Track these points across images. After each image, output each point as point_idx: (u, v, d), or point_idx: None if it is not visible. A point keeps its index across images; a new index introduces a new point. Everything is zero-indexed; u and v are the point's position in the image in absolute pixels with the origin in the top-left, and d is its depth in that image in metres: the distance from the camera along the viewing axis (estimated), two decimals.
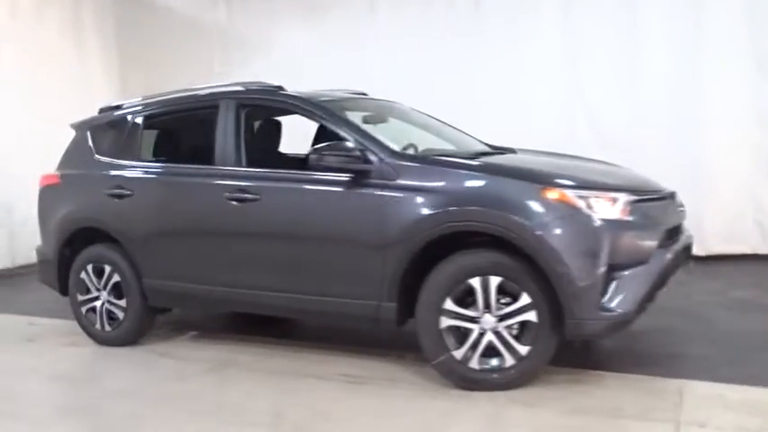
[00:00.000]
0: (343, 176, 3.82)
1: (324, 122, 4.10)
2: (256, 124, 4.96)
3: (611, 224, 3.36)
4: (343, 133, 3.91)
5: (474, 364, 3.53)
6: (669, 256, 3.51)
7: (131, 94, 9.09)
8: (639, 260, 3.38)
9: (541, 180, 3.49)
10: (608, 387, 3.54)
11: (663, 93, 6.38)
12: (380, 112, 4.61)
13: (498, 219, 3.41)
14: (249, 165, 4.28)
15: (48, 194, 5.09)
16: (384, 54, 7.45)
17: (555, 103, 6.73)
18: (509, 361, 3.50)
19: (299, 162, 4.25)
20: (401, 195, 3.66)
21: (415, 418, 3.30)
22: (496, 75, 6.93)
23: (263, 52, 8.38)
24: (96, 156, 4.88)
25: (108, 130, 4.97)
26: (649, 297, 3.42)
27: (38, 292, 6.13)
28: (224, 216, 4.18)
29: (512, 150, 4.40)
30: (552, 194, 3.40)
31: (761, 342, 4.14)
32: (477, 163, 3.76)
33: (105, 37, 9.09)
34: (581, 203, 3.37)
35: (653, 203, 3.62)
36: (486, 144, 4.65)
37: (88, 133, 5.01)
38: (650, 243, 3.42)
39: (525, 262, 3.43)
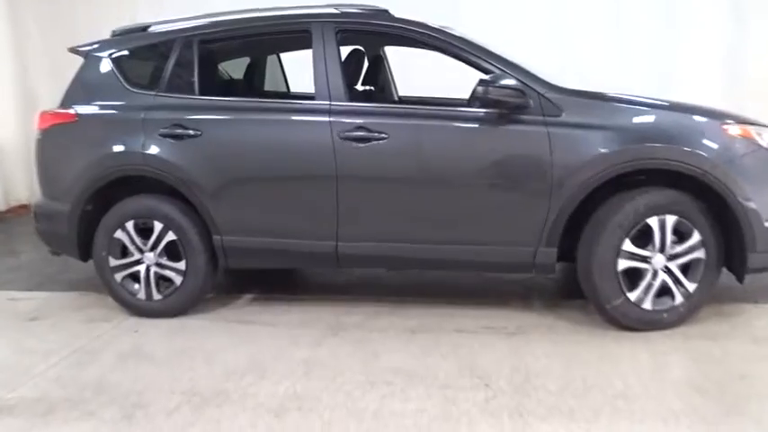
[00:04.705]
0: (494, 112, 3.50)
1: (461, 55, 3.65)
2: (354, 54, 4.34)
3: None
4: (491, 67, 3.56)
5: (647, 304, 3.48)
6: None
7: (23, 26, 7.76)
8: None
9: (720, 116, 3.47)
10: (760, 317, 3.69)
11: (643, 44, 6.68)
12: None
13: (685, 156, 3.34)
14: (359, 100, 3.76)
15: (57, 136, 4.06)
16: None
17: (545, 54, 6.74)
18: (678, 299, 3.49)
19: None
20: (569, 132, 3.44)
21: (615, 362, 3.18)
22: (485, 26, 6.75)
23: None
24: (130, 88, 3.98)
25: (142, 58, 4.08)
26: None
27: None
28: (337, 158, 3.63)
29: None
30: (735, 130, 3.39)
31: None
32: (651, 99, 3.62)
33: None
34: (760, 140, 3.40)
35: None
36: None
37: (109, 61, 4.05)
38: None
39: (698, 200, 3.42)
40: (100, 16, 7.28)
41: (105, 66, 4.06)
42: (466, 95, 4.57)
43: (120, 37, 4.16)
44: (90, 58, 4.11)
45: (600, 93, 3.59)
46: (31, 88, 7.94)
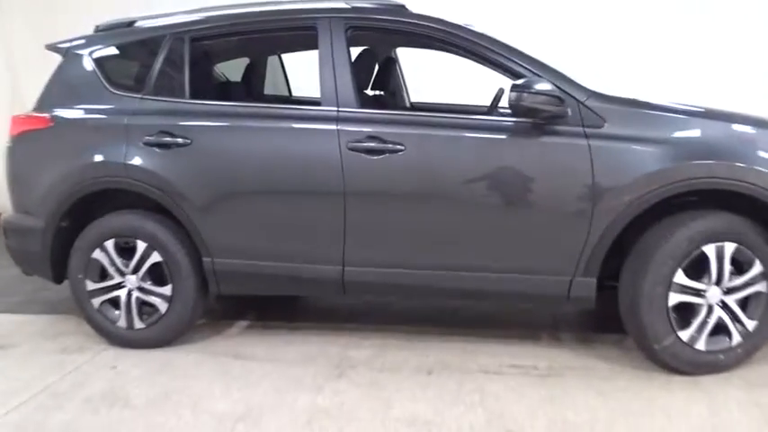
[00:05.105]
0: (527, 121, 3.05)
1: (490, 57, 3.17)
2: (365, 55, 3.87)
3: None
4: (523, 70, 3.11)
5: (701, 345, 3.02)
6: None
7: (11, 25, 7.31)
8: None
9: None
10: None
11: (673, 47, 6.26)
12: None
13: (749, 174, 2.90)
14: (371, 106, 3.32)
15: (30, 143, 3.63)
16: None
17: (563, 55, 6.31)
18: (736, 339, 3.04)
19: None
20: (613, 146, 2.99)
21: (667, 415, 2.72)
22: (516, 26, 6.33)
23: None
24: (113, 90, 3.53)
25: (127, 56, 3.65)
26: None
27: None
28: (345, 172, 3.17)
29: None
30: None
31: None
32: (704, 109, 3.17)
33: None
34: None
35: None
36: None
37: (90, 60, 3.61)
38: None
39: (761, 226, 2.98)
40: (97, 14, 6.85)
41: (86, 65, 3.62)
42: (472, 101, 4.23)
43: (104, 33, 3.72)
44: (69, 55, 3.68)
45: (646, 101, 3.13)
46: (20, 92, 7.49)
